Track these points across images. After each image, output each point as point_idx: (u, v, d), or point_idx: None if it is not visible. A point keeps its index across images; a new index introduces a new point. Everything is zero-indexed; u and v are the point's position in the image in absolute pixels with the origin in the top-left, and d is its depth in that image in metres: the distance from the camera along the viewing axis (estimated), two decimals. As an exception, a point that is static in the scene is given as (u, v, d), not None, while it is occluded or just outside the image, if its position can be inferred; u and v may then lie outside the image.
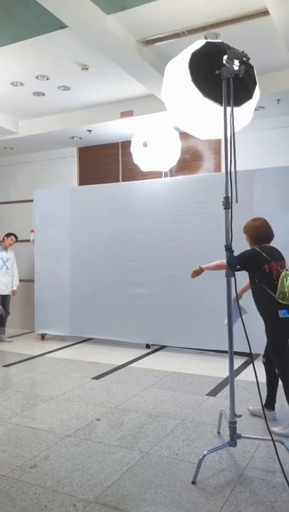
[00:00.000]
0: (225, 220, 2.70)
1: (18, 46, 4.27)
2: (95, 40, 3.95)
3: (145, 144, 5.68)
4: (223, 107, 2.74)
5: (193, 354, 5.54)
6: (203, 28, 3.93)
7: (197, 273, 3.39)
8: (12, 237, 6.71)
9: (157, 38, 4.09)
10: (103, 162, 7.18)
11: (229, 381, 2.73)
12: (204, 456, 2.58)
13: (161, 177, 6.30)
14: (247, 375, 4.48)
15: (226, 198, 2.72)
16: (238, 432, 2.68)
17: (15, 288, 6.70)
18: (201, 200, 5.49)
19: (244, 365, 4.88)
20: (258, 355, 4.79)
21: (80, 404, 3.80)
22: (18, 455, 2.86)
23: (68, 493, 2.39)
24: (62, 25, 3.85)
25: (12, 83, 5.16)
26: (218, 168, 6.35)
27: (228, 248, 2.68)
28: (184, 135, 6.00)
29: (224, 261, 2.75)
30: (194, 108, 2.95)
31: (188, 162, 6.47)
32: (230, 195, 2.70)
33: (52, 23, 3.84)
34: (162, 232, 5.75)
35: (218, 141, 6.19)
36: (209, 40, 3.00)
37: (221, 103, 2.81)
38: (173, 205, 5.68)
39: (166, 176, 6.36)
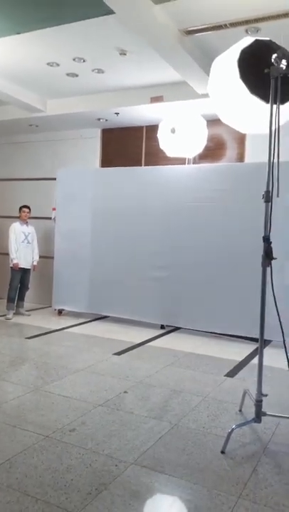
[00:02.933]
0: (265, 212, 2.87)
1: (61, 29, 4.37)
2: (139, 28, 4.04)
3: (173, 130, 5.80)
4: (269, 105, 2.87)
5: (207, 337, 5.76)
6: (246, 22, 4.02)
7: None
8: (24, 208, 6.90)
9: (199, 28, 4.19)
10: (126, 145, 7.29)
11: (258, 362, 2.93)
12: (233, 429, 2.80)
13: (185, 163, 6.43)
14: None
15: (267, 192, 2.88)
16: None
17: (35, 263, 6.90)
18: (224, 189, 5.63)
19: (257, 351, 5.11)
20: (270, 341, 5.04)
21: (105, 378, 4.03)
22: (57, 419, 3.08)
23: (109, 454, 2.62)
24: (108, 11, 3.94)
25: (48, 63, 5.25)
26: (240, 158, 6.48)
27: (266, 239, 2.85)
28: (209, 123, 6.13)
29: None
30: (240, 103, 3.09)
31: (212, 150, 6.58)
32: (270, 189, 2.86)
33: (97, 9, 3.93)
34: (183, 217, 5.91)
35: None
36: (258, 38, 3.11)
37: (266, 100, 2.95)
38: (196, 192, 5.83)
39: (189, 162, 6.49)
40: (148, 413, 3.26)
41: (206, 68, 4.81)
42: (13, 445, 2.69)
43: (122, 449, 2.70)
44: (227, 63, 3.09)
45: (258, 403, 2.89)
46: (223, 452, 2.69)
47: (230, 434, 2.77)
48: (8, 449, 2.63)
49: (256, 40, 3.08)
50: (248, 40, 3.08)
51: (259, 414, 2.88)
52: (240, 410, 3.38)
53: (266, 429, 3.06)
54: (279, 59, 2.87)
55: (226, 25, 4.09)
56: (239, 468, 2.53)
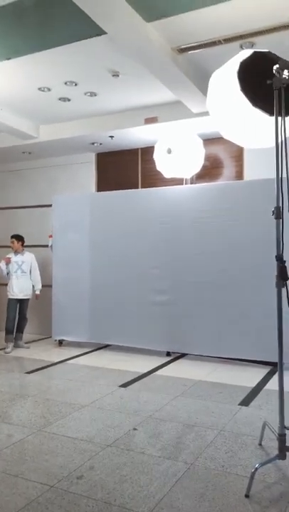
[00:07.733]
0: (276, 230, 2.68)
1: (51, 52, 4.27)
2: (131, 48, 3.95)
3: (169, 151, 5.68)
4: (274, 117, 2.73)
5: (216, 363, 5.50)
6: (240, 37, 3.93)
7: None
8: (11, 239, 6.65)
9: (192, 46, 4.10)
10: (122, 168, 7.17)
11: (278, 392, 2.70)
12: (256, 469, 2.55)
13: (182, 184, 6.29)
14: (275, 384, 4.45)
15: (277, 208, 2.70)
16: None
17: (38, 292, 6.66)
18: (226, 207, 5.47)
19: (270, 374, 4.88)
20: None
21: (112, 413, 3.77)
22: (62, 465, 2.82)
23: (122, 505, 2.36)
24: (98, 32, 3.85)
25: (39, 88, 5.15)
26: (239, 176, 6.35)
27: (280, 258, 2.66)
28: (206, 142, 6.02)
29: None
30: (242, 117, 2.95)
31: (209, 169, 6.46)
32: (281, 204, 2.69)
33: (88, 30, 3.84)
34: (184, 239, 5.73)
35: (240, 149, 6.19)
36: (257, 50, 2.99)
37: (269, 113, 2.82)
38: (196, 212, 5.66)
39: (186, 183, 6.35)
40: (161, 452, 3.00)
41: (201, 86, 4.72)
42: (14, 499, 2.42)
43: (136, 497, 2.44)
44: (226, 77, 2.96)
45: (281, 437, 2.64)
46: (247, 496, 2.43)
47: (253, 474, 2.51)
48: (10, 505, 2.37)
49: (255, 52, 2.96)
50: (246, 53, 2.97)
51: (283, 450, 2.63)
52: (260, 444, 3.12)
53: (291, 465, 2.80)
54: (281, 69, 2.75)
55: (219, 41, 4.00)
56: (267, 514, 2.28)
